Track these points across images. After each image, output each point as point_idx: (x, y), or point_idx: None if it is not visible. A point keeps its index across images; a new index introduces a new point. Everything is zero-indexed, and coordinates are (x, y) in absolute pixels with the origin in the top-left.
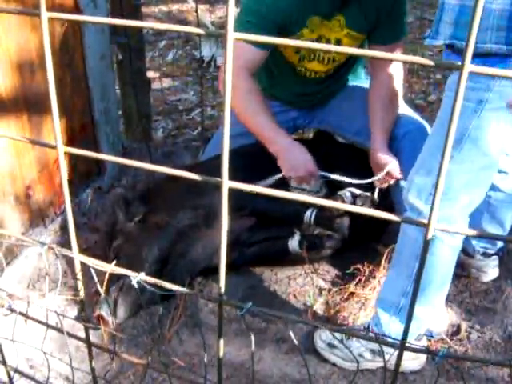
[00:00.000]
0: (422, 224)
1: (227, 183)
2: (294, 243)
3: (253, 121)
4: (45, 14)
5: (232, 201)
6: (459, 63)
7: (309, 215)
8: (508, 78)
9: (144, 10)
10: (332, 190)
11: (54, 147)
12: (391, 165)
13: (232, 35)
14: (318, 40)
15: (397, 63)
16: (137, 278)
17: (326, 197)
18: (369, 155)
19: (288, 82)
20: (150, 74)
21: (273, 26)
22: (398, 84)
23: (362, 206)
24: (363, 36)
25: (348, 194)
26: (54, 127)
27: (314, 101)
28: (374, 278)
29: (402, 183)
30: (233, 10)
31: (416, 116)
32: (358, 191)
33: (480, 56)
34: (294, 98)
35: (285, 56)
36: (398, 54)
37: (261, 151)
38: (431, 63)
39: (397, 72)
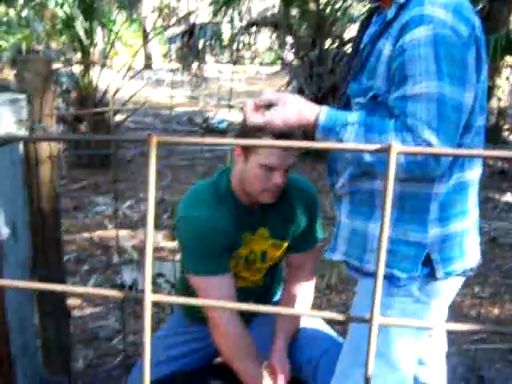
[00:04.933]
0: None
1: None
2: None
3: (241, 366)
4: None
5: None
6: (367, 317)
7: None
8: (409, 295)
9: (66, 237)
10: None
11: None
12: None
13: (150, 297)
14: (249, 254)
15: (310, 274)
16: None
17: None
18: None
19: None
20: (71, 300)
21: (220, 250)
22: (309, 296)
23: None
24: (287, 243)
25: None
26: None
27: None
28: None
29: None
30: (149, 283)
31: (332, 332)
32: None
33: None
34: None
35: None
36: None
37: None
38: (342, 318)
39: (309, 284)
